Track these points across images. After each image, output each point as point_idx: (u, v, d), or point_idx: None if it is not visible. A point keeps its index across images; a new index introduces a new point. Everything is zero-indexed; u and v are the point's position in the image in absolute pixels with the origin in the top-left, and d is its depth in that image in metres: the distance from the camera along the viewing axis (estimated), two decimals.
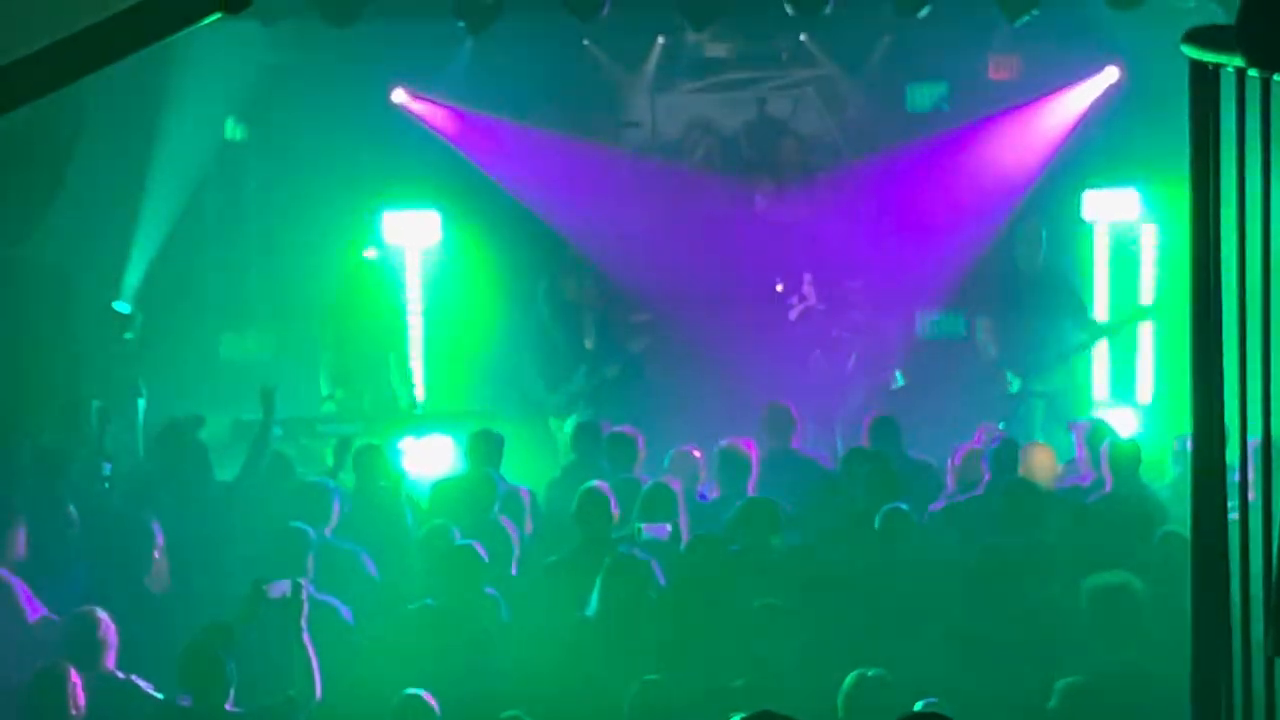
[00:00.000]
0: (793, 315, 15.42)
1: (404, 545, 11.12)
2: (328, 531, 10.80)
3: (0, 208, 13.35)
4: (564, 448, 13.93)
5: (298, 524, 10.47)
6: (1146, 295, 15.54)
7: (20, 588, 9.98)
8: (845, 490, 11.64)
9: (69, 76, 4.30)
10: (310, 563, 10.15)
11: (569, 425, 14.19)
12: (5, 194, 13.34)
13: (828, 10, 13.75)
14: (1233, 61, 3.70)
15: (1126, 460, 11.50)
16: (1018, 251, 15.05)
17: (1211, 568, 4.16)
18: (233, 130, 15.86)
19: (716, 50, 16.67)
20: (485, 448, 12.14)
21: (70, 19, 4.09)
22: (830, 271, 15.90)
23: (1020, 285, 14.87)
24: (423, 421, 14.59)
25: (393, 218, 15.66)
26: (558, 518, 11.48)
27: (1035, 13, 13.64)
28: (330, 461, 12.74)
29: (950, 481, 11.94)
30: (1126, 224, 15.66)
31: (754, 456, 11.99)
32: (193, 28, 4.28)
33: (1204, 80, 3.93)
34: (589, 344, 15.42)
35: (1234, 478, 4.32)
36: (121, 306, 14.41)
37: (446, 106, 15.87)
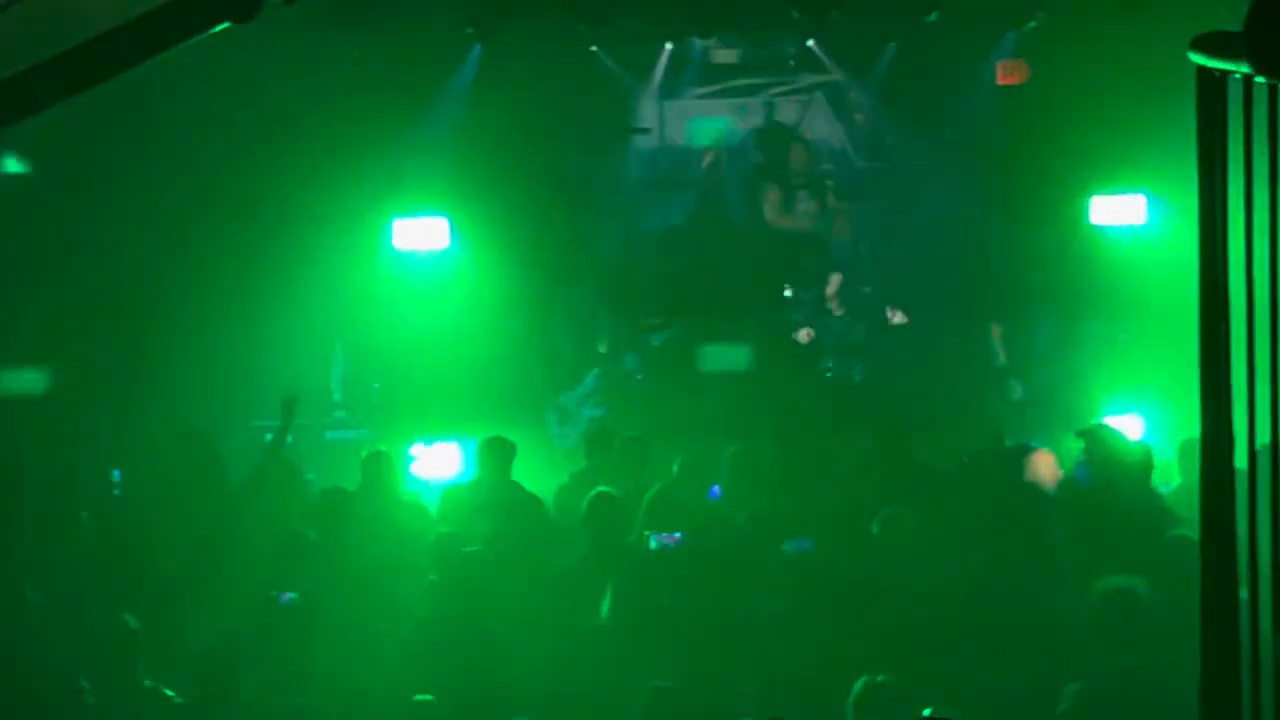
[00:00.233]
0: (802, 338, 15.40)
1: (413, 551, 11.12)
2: (335, 539, 10.81)
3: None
4: (574, 453, 13.92)
5: (307, 531, 10.47)
6: (1154, 300, 15.53)
7: (32, 594, 10.00)
8: (856, 494, 11.64)
9: (79, 86, 4.31)
10: (319, 569, 10.16)
11: (580, 430, 14.19)
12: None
13: (835, 16, 13.77)
14: (1240, 68, 3.71)
15: (1135, 464, 11.48)
16: (1026, 258, 15.06)
17: (1220, 572, 4.16)
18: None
19: (724, 56, 16.69)
20: (496, 454, 12.13)
21: (81, 29, 4.10)
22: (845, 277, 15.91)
23: (1029, 291, 14.88)
24: (433, 427, 14.58)
25: (403, 225, 15.67)
26: (567, 523, 11.49)
27: (1042, 16, 13.66)
28: (339, 468, 12.75)
29: (959, 486, 11.93)
30: (1134, 229, 15.65)
31: (766, 461, 11.99)
32: (201, 37, 4.30)
33: (1211, 86, 3.94)
34: (602, 349, 15.42)
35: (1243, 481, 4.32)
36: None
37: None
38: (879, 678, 8.50)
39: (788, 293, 15.71)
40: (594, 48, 16.01)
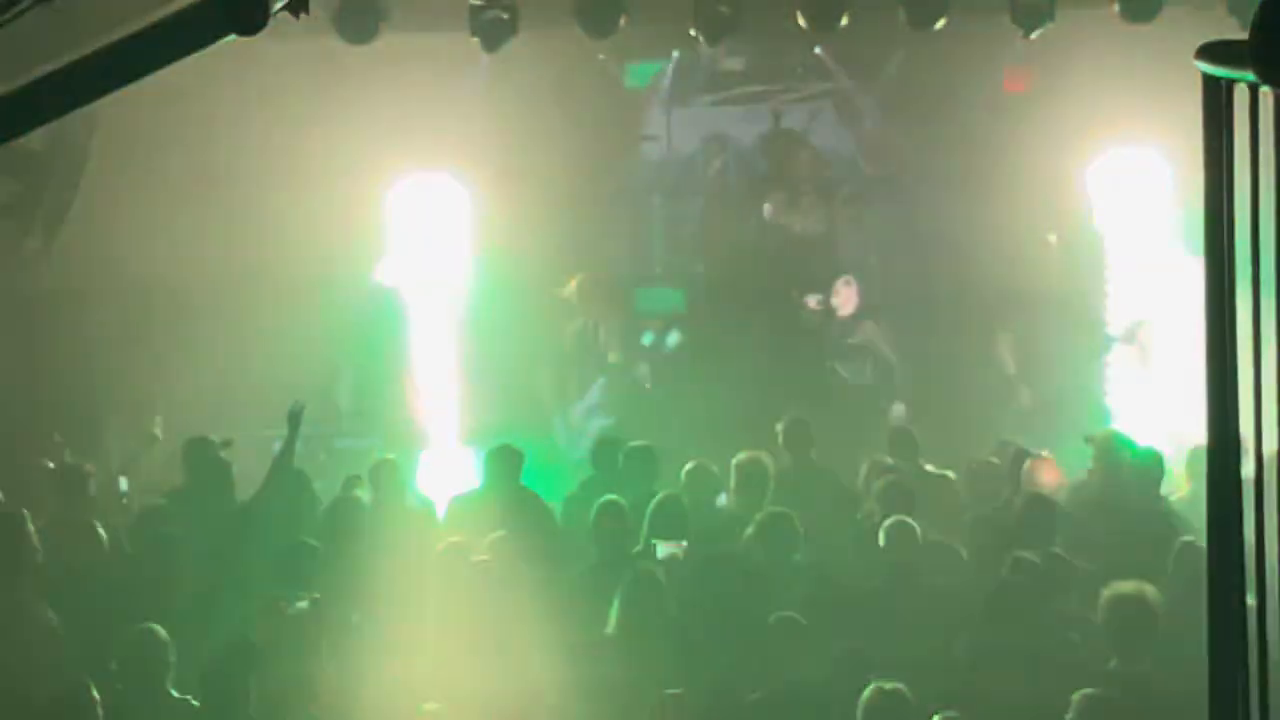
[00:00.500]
0: (812, 305, 15.36)
1: (422, 560, 11.11)
2: (343, 548, 10.81)
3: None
4: (581, 462, 13.92)
5: (316, 541, 10.48)
6: (1160, 305, 15.53)
7: (41, 605, 10.00)
8: (862, 503, 11.64)
9: (82, 99, 4.31)
10: (328, 578, 10.16)
11: (587, 439, 14.19)
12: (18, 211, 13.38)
13: (842, 23, 13.77)
14: (1245, 77, 3.70)
15: (1145, 471, 11.48)
16: (1035, 265, 15.06)
17: (1228, 579, 4.15)
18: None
19: (732, 64, 16.70)
20: (504, 463, 12.13)
21: (81, 43, 4.10)
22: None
23: (1037, 298, 14.87)
24: (438, 436, 14.60)
25: (410, 233, 15.65)
26: (575, 532, 11.49)
27: (1050, 24, 13.65)
28: (348, 477, 12.74)
29: (966, 494, 11.92)
30: (1140, 234, 15.64)
31: (772, 469, 11.99)
32: (205, 50, 4.30)
33: (1217, 95, 3.93)
34: (612, 358, 15.42)
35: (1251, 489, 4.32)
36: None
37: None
38: (887, 685, 8.50)
39: (813, 304, 15.61)
40: (602, 56, 16.01)
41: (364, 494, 12.05)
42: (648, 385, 15.58)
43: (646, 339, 15.88)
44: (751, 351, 16.02)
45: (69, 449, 12.94)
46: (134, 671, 9.11)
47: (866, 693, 8.49)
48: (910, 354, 15.88)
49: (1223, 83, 3.90)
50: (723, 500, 12.19)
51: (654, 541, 10.75)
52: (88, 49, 4.13)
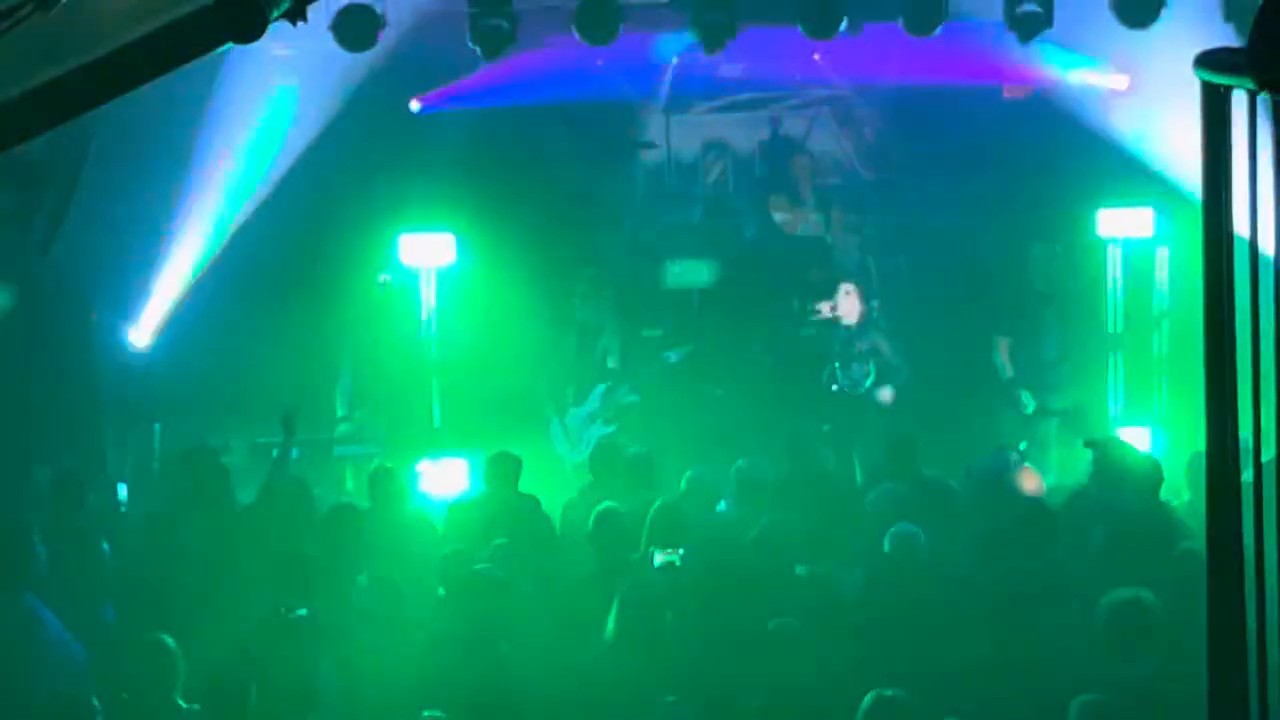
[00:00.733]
0: (825, 311, 15.33)
1: (421, 568, 11.12)
2: (342, 556, 10.81)
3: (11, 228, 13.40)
4: (581, 469, 13.92)
5: (315, 547, 10.47)
6: (1161, 314, 15.53)
7: (43, 612, 10.00)
8: (865, 510, 11.64)
9: (79, 108, 4.31)
10: (327, 586, 10.16)
11: (587, 445, 14.18)
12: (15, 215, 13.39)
13: (841, 29, 13.77)
14: (1244, 84, 3.71)
15: (1145, 477, 11.48)
16: (1033, 271, 15.06)
17: (1227, 585, 4.15)
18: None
19: (730, 71, 16.69)
20: (502, 470, 12.13)
21: (79, 51, 4.10)
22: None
23: (1036, 305, 14.87)
24: (439, 443, 14.58)
25: (409, 240, 15.65)
26: (574, 539, 11.48)
27: (1048, 30, 13.66)
28: (348, 484, 12.75)
29: (966, 501, 11.92)
30: (1141, 243, 15.63)
31: (772, 477, 11.99)
32: (202, 58, 4.29)
33: (1216, 102, 3.94)
34: (611, 364, 15.40)
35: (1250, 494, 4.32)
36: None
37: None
38: (888, 692, 8.50)
39: (825, 314, 15.53)
40: (600, 62, 16.01)
41: (362, 501, 12.07)
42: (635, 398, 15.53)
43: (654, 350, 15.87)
44: (752, 357, 16.03)
45: (68, 455, 12.95)
46: (143, 681, 9.11)
47: (867, 700, 8.49)
48: (910, 359, 15.86)
49: (1222, 89, 3.91)
50: (722, 507, 12.20)
51: (653, 549, 10.74)
52: (86, 56, 4.12)
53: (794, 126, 17.09)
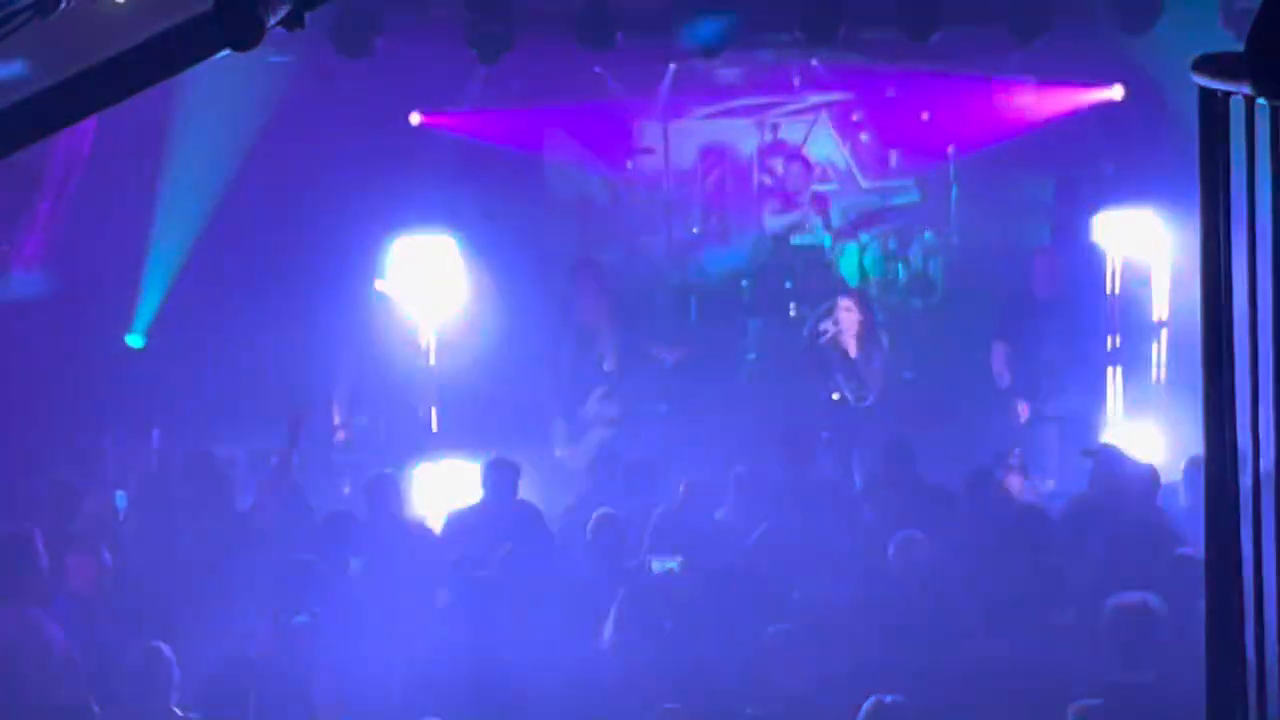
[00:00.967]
0: (824, 338, 15.31)
1: (420, 574, 11.12)
2: (340, 562, 10.81)
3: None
4: (580, 475, 13.92)
5: (314, 554, 10.47)
6: (1159, 319, 15.54)
7: (47, 621, 9.99)
8: (862, 515, 11.64)
9: (79, 113, 4.31)
10: (326, 592, 10.16)
11: (584, 451, 14.18)
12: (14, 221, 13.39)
13: (839, 35, 13.79)
14: (1242, 89, 3.71)
15: (1142, 483, 11.48)
16: (1032, 277, 15.07)
17: (1225, 591, 4.15)
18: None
19: (728, 77, 16.72)
20: (501, 476, 12.12)
21: (76, 57, 4.10)
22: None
23: (1035, 311, 14.88)
24: (437, 450, 14.56)
25: (406, 244, 15.64)
26: (572, 545, 11.48)
27: (1048, 34, 13.69)
28: (346, 490, 12.74)
29: (965, 507, 11.93)
30: (1139, 248, 15.64)
31: (771, 482, 11.99)
32: (199, 64, 4.29)
33: (1213, 107, 3.93)
34: (607, 366, 15.39)
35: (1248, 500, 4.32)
36: (134, 341, 14.41)
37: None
38: (887, 698, 8.49)
39: (829, 333, 15.49)
40: (598, 69, 16.02)
41: (361, 508, 12.07)
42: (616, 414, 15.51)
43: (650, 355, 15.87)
44: (751, 364, 16.05)
45: (66, 462, 12.94)
46: (139, 688, 9.11)
47: (866, 706, 8.49)
48: (909, 366, 15.89)
49: (1219, 94, 3.91)
50: (721, 513, 12.19)
51: (652, 555, 10.74)
52: (85, 63, 4.12)
53: (792, 133, 17.10)
